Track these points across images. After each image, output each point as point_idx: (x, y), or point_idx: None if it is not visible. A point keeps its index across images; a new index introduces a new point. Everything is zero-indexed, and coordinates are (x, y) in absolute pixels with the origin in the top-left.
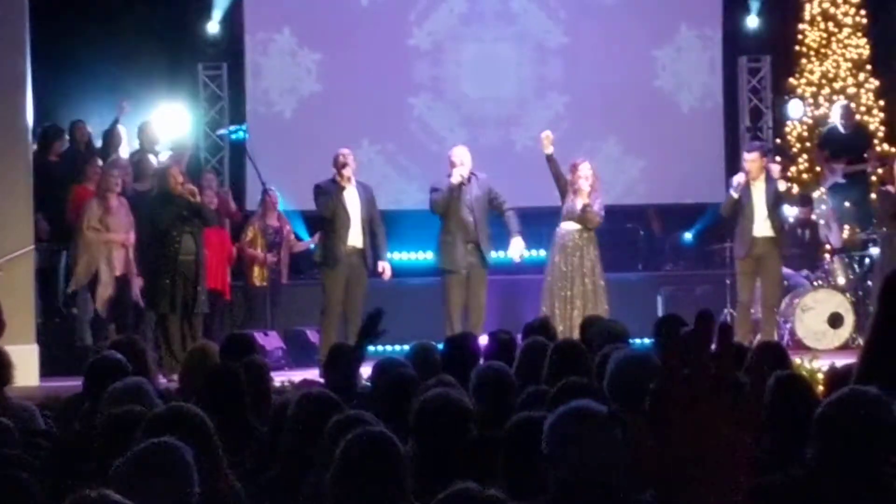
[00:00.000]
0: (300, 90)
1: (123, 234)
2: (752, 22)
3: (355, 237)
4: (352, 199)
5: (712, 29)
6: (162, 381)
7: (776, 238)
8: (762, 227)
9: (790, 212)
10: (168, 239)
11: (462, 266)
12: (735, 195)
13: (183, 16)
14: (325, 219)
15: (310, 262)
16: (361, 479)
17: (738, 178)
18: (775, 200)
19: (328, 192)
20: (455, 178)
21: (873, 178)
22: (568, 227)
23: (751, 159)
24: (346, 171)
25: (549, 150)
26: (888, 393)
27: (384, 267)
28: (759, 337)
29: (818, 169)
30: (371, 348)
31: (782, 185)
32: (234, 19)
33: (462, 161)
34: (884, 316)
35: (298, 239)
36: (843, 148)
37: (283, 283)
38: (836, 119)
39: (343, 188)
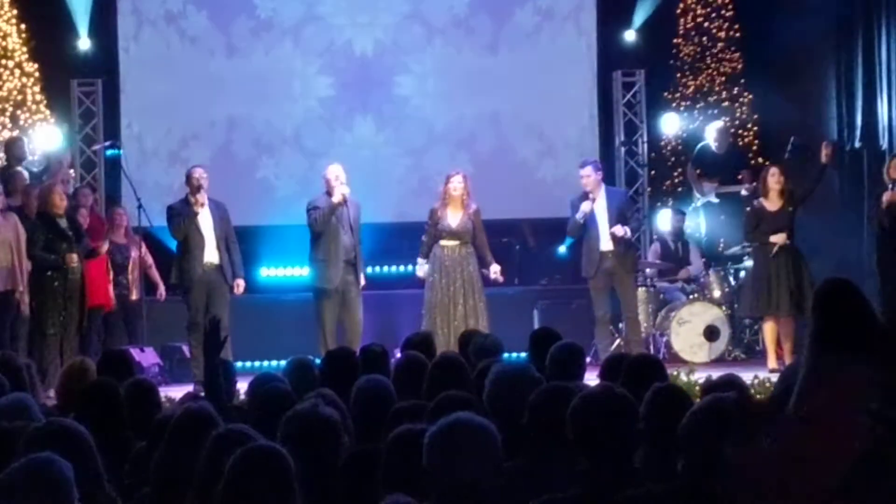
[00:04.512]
0: (175, 105)
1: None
2: (630, 36)
3: (211, 254)
4: (205, 218)
5: (587, 43)
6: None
7: (622, 249)
8: (607, 241)
9: (663, 225)
10: (55, 258)
11: (338, 285)
12: (581, 221)
13: (56, 32)
14: (179, 241)
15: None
16: (252, 495)
17: (585, 208)
18: (618, 214)
19: (181, 214)
20: (337, 197)
21: (743, 192)
22: (446, 243)
23: (585, 174)
24: (201, 197)
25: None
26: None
27: (238, 284)
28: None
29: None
30: (249, 364)
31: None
32: (108, 35)
33: (339, 178)
34: (820, 328)
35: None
36: (716, 168)
37: (134, 301)
38: (709, 139)
39: (197, 209)
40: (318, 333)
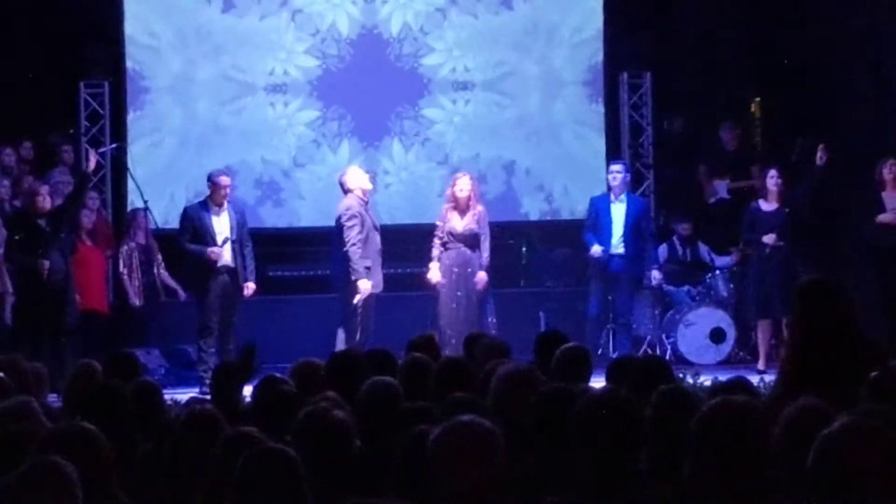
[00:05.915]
0: (183, 108)
1: None
2: (637, 40)
3: (226, 256)
4: (222, 222)
5: (594, 45)
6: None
7: (630, 256)
8: (619, 245)
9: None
10: (37, 258)
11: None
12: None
13: (63, 34)
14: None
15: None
16: (261, 496)
17: (595, 253)
18: (634, 223)
19: (193, 220)
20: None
21: (757, 185)
22: (452, 247)
23: (616, 170)
24: (222, 208)
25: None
26: (818, 396)
27: (248, 286)
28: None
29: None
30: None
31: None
32: (115, 37)
33: (367, 183)
34: (805, 324)
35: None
36: (727, 165)
37: (160, 302)
38: (720, 137)
39: (213, 213)
40: (355, 333)
